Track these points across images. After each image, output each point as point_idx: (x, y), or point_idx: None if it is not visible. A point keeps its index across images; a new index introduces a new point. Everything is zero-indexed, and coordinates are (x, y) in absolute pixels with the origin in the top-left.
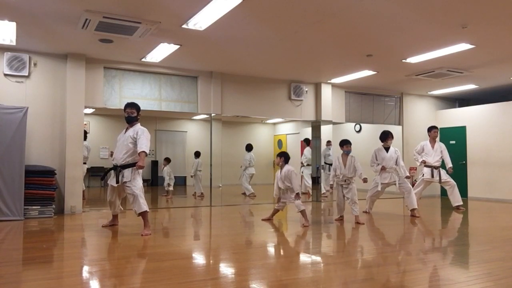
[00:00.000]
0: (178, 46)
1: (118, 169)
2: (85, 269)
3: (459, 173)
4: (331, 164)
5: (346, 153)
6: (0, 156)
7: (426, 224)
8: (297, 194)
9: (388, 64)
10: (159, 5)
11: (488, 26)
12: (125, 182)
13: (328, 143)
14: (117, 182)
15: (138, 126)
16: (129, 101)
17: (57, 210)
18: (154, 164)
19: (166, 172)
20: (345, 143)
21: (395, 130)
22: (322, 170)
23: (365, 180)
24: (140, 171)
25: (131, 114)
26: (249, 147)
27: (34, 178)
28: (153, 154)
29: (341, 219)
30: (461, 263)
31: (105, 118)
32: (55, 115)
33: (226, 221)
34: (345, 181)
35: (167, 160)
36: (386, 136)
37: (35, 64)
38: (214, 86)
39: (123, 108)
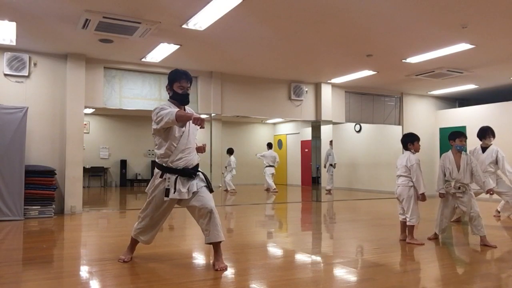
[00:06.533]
0: (178, 46)
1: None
2: (85, 269)
3: None
4: (331, 165)
5: (459, 150)
6: (0, 156)
7: (425, 225)
8: (421, 194)
9: (388, 64)
10: (159, 5)
11: (488, 26)
12: (199, 190)
13: (330, 143)
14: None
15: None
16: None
17: (57, 210)
18: (154, 164)
19: None
20: (458, 136)
21: (395, 130)
22: (328, 171)
23: (491, 192)
24: None
25: (188, 91)
26: (231, 151)
27: (34, 178)
28: (153, 155)
29: (436, 237)
30: (461, 263)
31: (105, 118)
32: (55, 115)
33: (226, 221)
34: (458, 188)
35: None
36: (484, 133)
37: (35, 64)
38: (214, 86)
39: (181, 77)
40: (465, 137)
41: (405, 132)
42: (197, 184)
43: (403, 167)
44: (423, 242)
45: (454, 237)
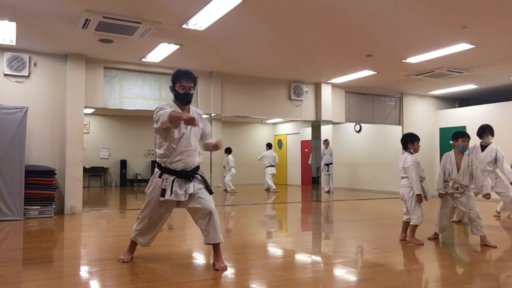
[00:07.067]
0: (178, 46)
1: (189, 175)
2: (85, 269)
3: None
4: (327, 164)
5: (461, 150)
6: (0, 156)
7: (425, 225)
8: (417, 195)
9: (388, 64)
10: (159, 5)
11: (488, 26)
12: (198, 191)
13: (325, 142)
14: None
15: (197, 109)
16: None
17: (57, 210)
18: (154, 164)
19: None
20: (460, 136)
21: (395, 130)
22: (323, 170)
23: (487, 196)
24: None
25: (190, 90)
26: (229, 150)
27: (34, 178)
28: (152, 155)
29: (436, 237)
30: (461, 263)
31: (105, 118)
32: (55, 115)
33: (225, 221)
34: (457, 189)
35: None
36: (482, 132)
37: (35, 64)
38: (214, 86)
39: (180, 77)
40: (468, 138)
41: (405, 132)
42: (194, 186)
43: (402, 168)
44: (423, 242)
45: (454, 237)
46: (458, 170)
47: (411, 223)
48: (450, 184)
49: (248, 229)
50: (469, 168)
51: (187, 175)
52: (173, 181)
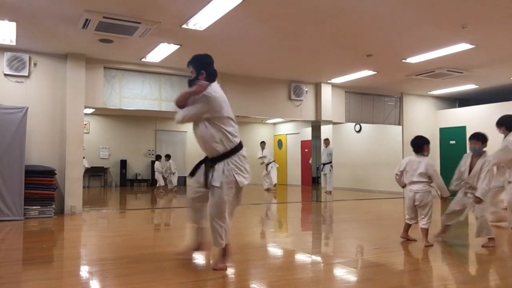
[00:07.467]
0: (178, 46)
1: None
2: (85, 269)
3: None
4: (324, 164)
5: (476, 152)
6: (0, 156)
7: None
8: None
9: (388, 64)
10: (159, 5)
11: (488, 26)
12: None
13: (325, 141)
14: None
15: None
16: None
17: (57, 210)
18: (154, 164)
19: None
20: (470, 138)
21: (395, 130)
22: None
23: (477, 201)
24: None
25: (191, 75)
26: None
27: (34, 178)
28: (152, 154)
29: (444, 232)
30: (461, 263)
31: (105, 118)
32: (55, 115)
33: None
34: (469, 188)
35: (167, 157)
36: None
37: (35, 64)
38: None
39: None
40: (477, 139)
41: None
42: (211, 179)
43: (421, 173)
44: (432, 243)
45: (455, 237)
46: (469, 172)
47: (425, 226)
48: (462, 182)
49: (248, 229)
50: (482, 170)
51: (208, 161)
52: (200, 163)
